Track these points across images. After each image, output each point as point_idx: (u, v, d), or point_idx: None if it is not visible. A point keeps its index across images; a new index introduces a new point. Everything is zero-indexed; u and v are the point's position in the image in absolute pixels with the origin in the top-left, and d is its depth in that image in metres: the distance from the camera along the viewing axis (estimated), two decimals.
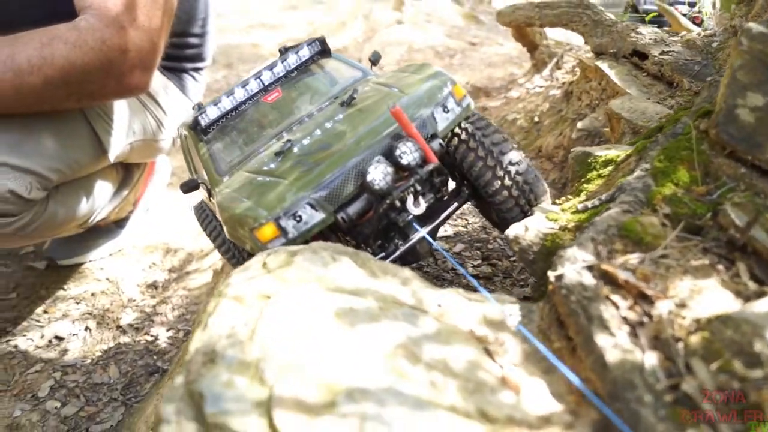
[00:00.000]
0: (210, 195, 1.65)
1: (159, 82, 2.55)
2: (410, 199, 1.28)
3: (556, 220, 1.16)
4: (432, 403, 0.70)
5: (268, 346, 0.75)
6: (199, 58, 2.80)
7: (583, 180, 1.35)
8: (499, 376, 0.79)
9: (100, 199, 2.43)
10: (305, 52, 1.69)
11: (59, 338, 2.37)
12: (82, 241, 2.80)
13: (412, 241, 1.31)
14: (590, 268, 0.87)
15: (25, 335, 2.34)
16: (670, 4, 3.09)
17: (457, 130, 1.41)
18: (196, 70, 2.84)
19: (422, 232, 1.30)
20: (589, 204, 1.15)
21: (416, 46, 4.59)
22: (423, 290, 0.94)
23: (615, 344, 0.75)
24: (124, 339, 2.34)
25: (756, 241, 0.95)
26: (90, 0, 1.80)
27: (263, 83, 1.67)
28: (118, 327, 2.42)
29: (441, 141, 1.33)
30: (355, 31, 5.41)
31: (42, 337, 2.35)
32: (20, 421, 1.97)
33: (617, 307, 0.82)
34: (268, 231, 1.23)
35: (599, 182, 1.32)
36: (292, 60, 1.68)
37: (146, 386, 2.11)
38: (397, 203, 1.27)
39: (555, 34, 3.31)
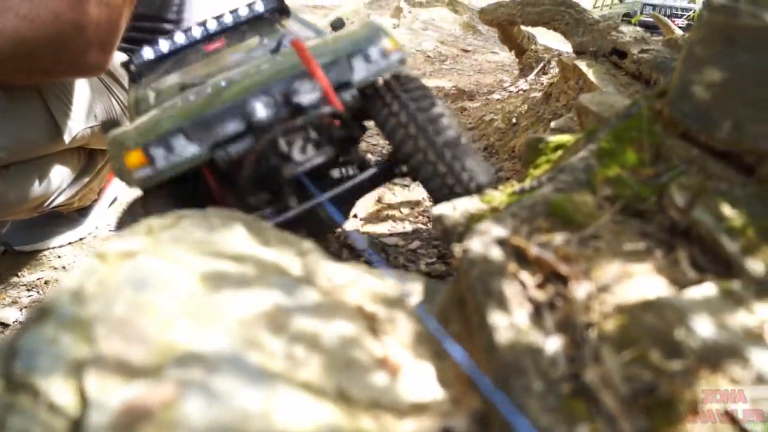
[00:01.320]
0: None
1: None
2: (298, 143, 1.14)
3: (489, 202, 1.05)
4: (279, 376, 0.59)
5: (110, 302, 0.65)
6: None
7: (531, 165, 1.24)
8: (378, 357, 0.68)
9: (56, 183, 2.33)
10: (258, 7, 1.60)
11: (4, 325, 2.27)
12: (42, 228, 2.71)
13: (306, 206, 1.16)
14: (501, 242, 0.77)
15: None
16: (666, 17, 3.02)
17: (384, 91, 1.25)
18: None
19: (323, 197, 1.13)
20: (527, 186, 1.05)
21: (408, 50, 4.52)
22: (319, 263, 0.83)
23: (510, 324, 0.65)
24: None
25: (699, 225, 0.84)
26: None
27: (207, 31, 1.58)
28: None
29: (355, 92, 1.18)
30: None
31: None
32: None
33: (524, 286, 0.71)
34: (134, 157, 1.11)
35: (547, 167, 1.21)
36: (243, 12, 1.59)
37: None
38: (282, 145, 1.13)
39: (544, 40, 3.24)
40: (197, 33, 1.57)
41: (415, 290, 0.82)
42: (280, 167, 1.14)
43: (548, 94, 2.47)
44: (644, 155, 1.01)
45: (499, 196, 1.06)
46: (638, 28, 2.13)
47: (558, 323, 0.67)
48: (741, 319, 0.69)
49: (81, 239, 2.78)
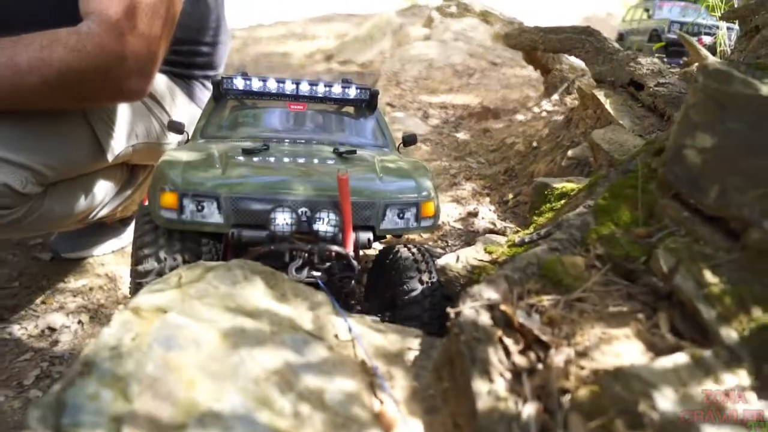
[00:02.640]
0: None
1: (166, 87, 2.61)
2: (297, 262, 1.22)
3: (491, 253, 1.13)
4: None
5: (143, 361, 0.76)
6: (209, 66, 2.85)
7: (536, 212, 1.31)
8: (375, 412, 0.77)
9: (99, 198, 2.48)
10: (351, 93, 1.69)
11: (52, 329, 2.44)
12: (87, 237, 2.87)
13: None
14: (491, 307, 0.85)
15: (20, 324, 2.41)
16: (693, 35, 3.01)
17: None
18: (206, 77, 2.89)
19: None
20: (527, 238, 1.12)
21: (436, 64, 4.56)
22: (328, 316, 0.93)
23: (490, 391, 0.73)
24: None
25: (680, 291, 0.91)
26: (93, 6, 1.86)
27: (296, 91, 1.68)
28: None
29: (371, 238, 1.26)
30: (383, 44, 5.44)
31: (36, 326, 2.42)
32: (2, 407, 2.02)
33: (507, 352, 0.79)
34: (168, 199, 1.22)
35: (550, 215, 1.28)
36: (336, 91, 1.68)
37: None
38: (286, 257, 1.22)
39: (571, 57, 3.26)
40: (288, 88, 1.67)
41: (413, 345, 0.91)
42: (275, 268, 1.21)
43: (569, 119, 2.50)
44: (638, 214, 1.08)
45: (500, 248, 1.14)
46: (656, 60, 2.14)
47: (535, 389, 0.75)
48: (703, 387, 0.76)
49: (123, 248, 2.94)
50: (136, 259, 1.33)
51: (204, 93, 2.90)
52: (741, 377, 0.80)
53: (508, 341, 0.80)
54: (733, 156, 1.00)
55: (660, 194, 1.09)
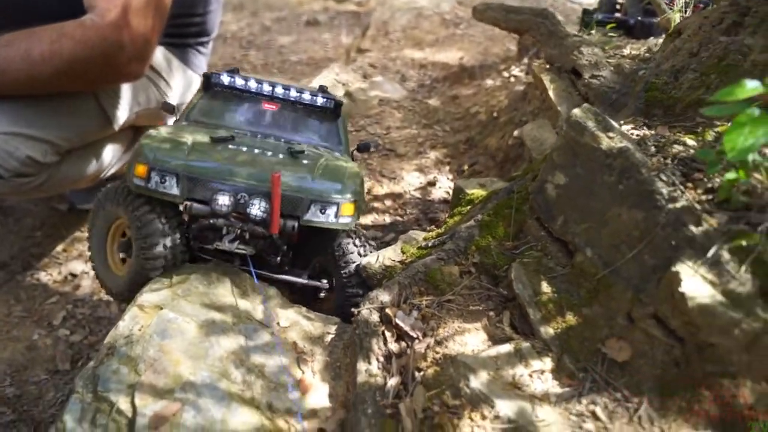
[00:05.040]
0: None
1: (163, 58, 2.92)
2: (230, 236, 1.51)
3: (405, 253, 1.52)
4: (235, 396, 1.11)
5: (146, 347, 1.17)
6: (202, 33, 3.15)
7: (451, 213, 1.68)
8: (298, 379, 1.19)
9: (107, 160, 2.86)
10: (318, 101, 1.98)
11: (73, 275, 2.87)
12: (96, 190, 3.27)
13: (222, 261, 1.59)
14: (381, 308, 1.25)
15: (45, 270, 2.85)
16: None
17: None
18: (201, 44, 3.19)
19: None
20: (430, 243, 1.50)
21: (426, 12, 4.73)
22: (276, 309, 1.34)
23: (367, 369, 1.14)
24: None
25: (519, 296, 1.30)
26: (95, 1, 2.17)
27: (272, 92, 1.98)
28: None
29: (296, 225, 1.52)
30: None
31: (59, 273, 2.85)
32: (37, 344, 2.49)
33: (386, 341, 1.19)
34: (140, 169, 1.52)
35: (458, 219, 1.65)
36: (305, 97, 1.98)
37: None
38: (223, 230, 1.50)
39: None
40: (266, 89, 1.98)
41: (332, 330, 1.32)
42: (209, 240, 1.54)
43: (525, 93, 2.79)
44: (510, 230, 1.45)
45: (411, 248, 1.53)
46: (597, 50, 2.40)
47: (399, 368, 1.16)
48: (515, 370, 1.16)
49: None
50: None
51: (198, 58, 3.21)
52: (545, 363, 1.19)
53: (388, 334, 1.20)
54: (576, 195, 1.36)
55: (529, 215, 1.46)
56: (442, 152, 2.87)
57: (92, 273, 2.87)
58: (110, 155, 2.89)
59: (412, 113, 3.23)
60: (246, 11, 6.04)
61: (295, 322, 1.33)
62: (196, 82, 3.10)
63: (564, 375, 1.16)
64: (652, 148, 1.39)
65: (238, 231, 1.49)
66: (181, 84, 3.03)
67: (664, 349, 1.10)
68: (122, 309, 2.69)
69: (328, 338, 1.31)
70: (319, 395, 1.17)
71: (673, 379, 1.09)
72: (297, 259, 1.75)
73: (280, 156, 1.66)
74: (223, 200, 1.47)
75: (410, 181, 2.68)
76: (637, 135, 1.50)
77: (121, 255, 1.67)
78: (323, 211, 1.54)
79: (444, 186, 2.65)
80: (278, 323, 1.31)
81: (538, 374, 1.17)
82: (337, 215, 1.55)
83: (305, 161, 1.67)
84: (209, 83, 2.02)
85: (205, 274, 1.38)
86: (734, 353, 1.02)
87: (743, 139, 1.07)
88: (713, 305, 1.02)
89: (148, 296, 1.31)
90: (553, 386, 1.15)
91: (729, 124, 1.21)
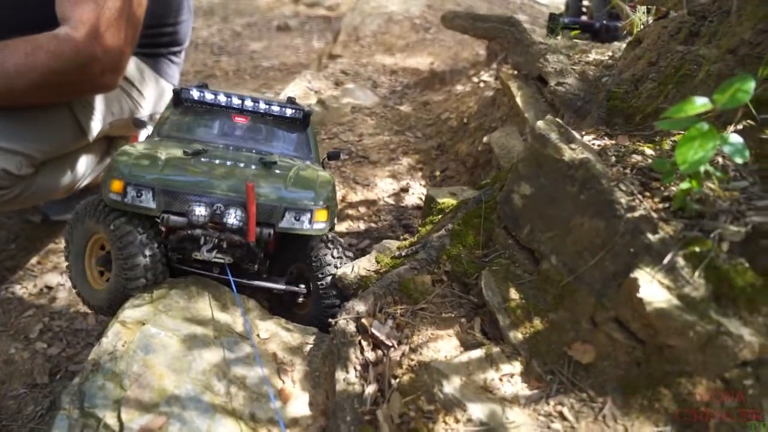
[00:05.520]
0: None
1: (136, 68, 2.93)
2: (208, 245, 1.53)
3: (379, 262, 1.57)
4: (218, 408, 1.15)
5: (130, 362, 1.20)
6: (174, 43, 3.17)
7: (423, 222, 1.74)
8: (279, 389, 1.23)
9: (82, 171, 2.86)
10: (287, 112, 2.03)
11: (49, 287, 2.86)
12: (73, 200, 3.25)
13: (201, 273, 1.61)
14: (357, 318, 1.30)
15: (20, 283, 2.83)
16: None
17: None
18: (173, 53, 3.21)
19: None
20: (404, 252, 1.56)
21: (396, 17, 4.80)
22: (255, 320, 1.38)
23: (345, 378, 1.19)
24: None
25: (489, 303, 1.36)
26: (69, 13, 2.18)
27: (241, 105, 2.02)
28: None
29: (272, 233, 1.57)
30: None
31: (35, 285, 2.84)
32: (14, 358, 2.48)
33: (362, 350, 1.25)
34: (116, 185, 1.55)
35: (430, 228, 1.71)
36: (275, 109, 2.02)
37: None
38: (201, 240, 1.52)
39: None
40: (235, 102, 2.01)
41: (310, 341, 1.36)
42: (187, 252, 1.58)
43: (494, 99, 2.87)
44: (479, 238, 1.51)
45: (385, 258, 1.58)
46: (563, 58, 2.48)
47: (376, 375, 1.21)
48: (486, 375, 1.22)
49: None
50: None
51: (171, 68, 3.23)
52: (515, 366, 1.26)
53: (364, 343, 1.25)
54: (541, 204, 1.42)
55: (497, 224, 1.52)
56: (415, 158, 2.93)
57: (68, 285, 2.86)
58: (85, 166, 2.89)
59: (384, 120, 3.28)
60: (216, 17, 6.03)
61: (275, 333, 1.37)
62: (169, 91, 3.11)
63: (532, 378, 1.23)
64: (613, 158, 1.47)
65: (216, 240, 1.52)
66: (154, 94, 3.05)
67: (626, 351, 1.17)
68: (99, 321, 2.69)
69: (307, 348, 1.35)
70: (299, 404, 1.22)
71: (634, 378, 1.16)
72: (274, 266, 1.79)
73: (253, 167, 1.71)
74: (200, 211, 1.50)
75: (383, 187, 2.74)
76: (599, 145, 1.57)
77: (100, 269, 1.70)
78: (298, 218, 1.59)
79: (417, 192, 2.71)
80: (258, 335, 1.35)
81: (508, 378, 1.24)
82: (311, 221, 1.61)
83: (278, 171, 1.72)
84: (179, 98, 2.05)
85: (184, 289, 1.41)
86: (690, 353, 1.09)
87: (693, 152, 1.15)
88: (670, 309, 1.09)
89: (129, 312, 1.34)
90: (522, 389, 1.21)
91: (684, 133, 1.30)
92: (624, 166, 1.42)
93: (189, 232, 1.51)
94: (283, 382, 1.25)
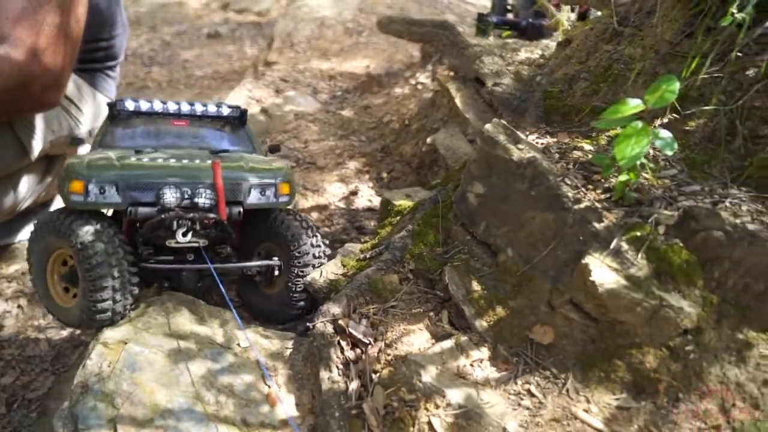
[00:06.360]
0: None
1: (74, 84, 2.89)
2: (182, 229, 1.56)
3: (345, 266, 1.65)
4: (212, 416, 1.20)
5: (119, 381, 1.24)
6: (110, 57, 3.14)
7: (382, 224, 1.83)
8: (265, 394, 1.29)
9: (23, 191, 2.79)
10: (225, 111, 2.05)
11: None
12: (11, 224, 3.15)
13: (176, 267, 1.61)
14: (334, 320, 1.38)
15: None
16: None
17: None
18: (109, 68, 3.17)
19: (209, 266, 1.57)
20: (368, 254, 1.65)
21: (328, 22, 4.86)
22: (234, 330, 1.43)
23: (329, 377, 1.27)
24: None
25: (454, 296, 1.47)
26: (7, 32, 2.14)
27: (178, 111, 2.03)
28: None
29: (241, 210, 1.63)
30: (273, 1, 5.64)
31: None
32: None
33: (342, 350, 1.32)
34: (76, 186, 1.54)
35: (389, 229, 1.81)
36: (211, 109, 2.05)
37: (72, 357, 2.56)
38: (174, 225, 1.55)
39: None
40: (172, 108, 2.02)
41: (289, 345, 1.43)
42: (162, 237, 1.61)
43: (433, 100, 2.99)
44: (439, 236, 1.62)
45: (351, 261, 1.66)
46: (497, 59, 2.62)
47: (358, 372, 1.29)
48: (458, 362, 1.33)
49: None
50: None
51: (107, 82, 3.20)
52: (483, 352, 1.37)
53: (343, 343, 1.33)
54: (494, 202, 1.54)
55: (454, 221, 1.63)
56: (361, 162, 3.02)
57: (15, 312, 2.78)
58: (26, 187, 2.83)
59: (327, 125, 3.35)
60: (144, 26, 5.90)
61: (255, 341, 1.43)
62: (106, 106, 3.09)
63: (500, 361, 1.34)
64: (556, 155, 1.61)
65: (189, 222, 1.55)
66: (92, 109, 3.01)
67: (582, 330, 1.30)
68: (53, 346, 2.64)
69: (287, 353, 1.42)
70: (287, 406, 1.29)
71: (591, 354, 1.29)
72: (242, 249, 1.82)
73: (207, 159, 1.73)
74: (171, 193, 1.53)
75: (333, 192, 2.81)
76: (542, 144, 1.71)
77: (64, 286, 1.68)
78: (263, 192, 1.66)
79: (366, 195, 2.80)
80: (238, 344, 1.40)
81: (478, 363, 1.34)
82: (276, 195, 1.68)
83: (230, 158, 1.77)
84: (114, 112, 2.05)
85: (161, 306, 1.45)
86: (638, 327, 1.23)
87: (630, 149, 1.29)
88: (618, 289, 1.22)
89: (109, 333, 1.37)
90: (492, 372, 1.32)
91: (619, 129, 1.44)
92: (567, 162, 1.56)
93: (162, 216, 1.53)
94: (269, 387, 1.32)
